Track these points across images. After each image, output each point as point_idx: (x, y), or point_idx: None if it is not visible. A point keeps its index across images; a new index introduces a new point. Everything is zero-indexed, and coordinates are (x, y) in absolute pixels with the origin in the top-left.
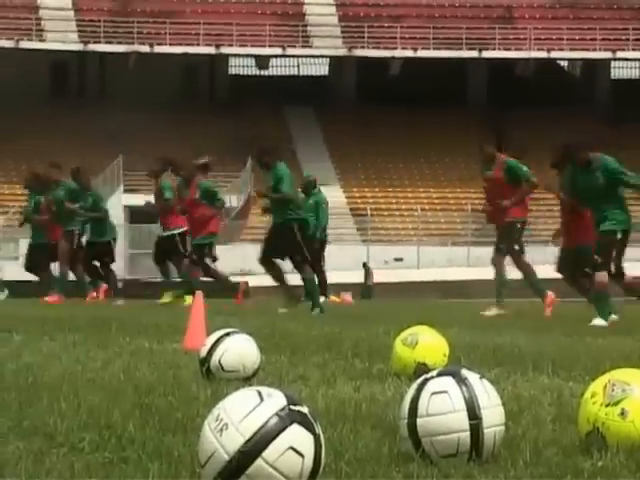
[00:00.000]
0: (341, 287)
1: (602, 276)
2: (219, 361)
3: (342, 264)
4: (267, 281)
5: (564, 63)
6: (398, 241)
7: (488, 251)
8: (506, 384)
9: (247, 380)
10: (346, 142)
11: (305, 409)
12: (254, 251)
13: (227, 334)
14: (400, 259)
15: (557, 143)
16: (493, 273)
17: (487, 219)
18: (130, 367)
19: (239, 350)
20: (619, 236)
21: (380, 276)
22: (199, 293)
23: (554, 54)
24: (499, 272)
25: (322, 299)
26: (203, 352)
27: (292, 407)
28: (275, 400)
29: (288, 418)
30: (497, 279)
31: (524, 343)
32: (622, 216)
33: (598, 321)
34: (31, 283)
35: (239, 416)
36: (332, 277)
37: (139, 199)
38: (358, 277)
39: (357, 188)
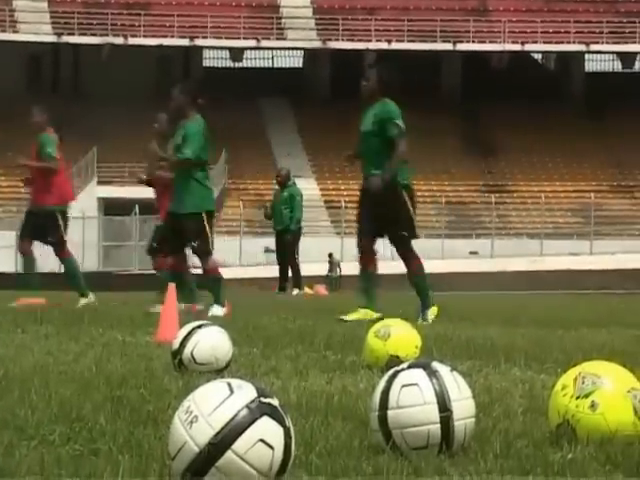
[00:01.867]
0: (315, 279)
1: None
2: (191, 353)
3: (316, 256)
4: (241, 273)
5: (538, 56)
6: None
7: (462, 243)
8: (478, 376)
9: (219, 372)
10: (320, 134)
11: (275, 401)
12: (229, 243)
13: (199, 326)
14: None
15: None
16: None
17: None
18: (102, 359)
19: (211, 342)
20: None
21: (354, 268)
22: (172, 286)
23: (528, 47)
24: None
25: (296, 291)
26: (175, 344)
27: (262, 399)
28: (245, 392)
29: (258, 410)
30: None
31: (496, 335)
32: None
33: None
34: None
35: (209, 408)
36: (306, 269)
37: (113, 191)
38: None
39: (331, 180)
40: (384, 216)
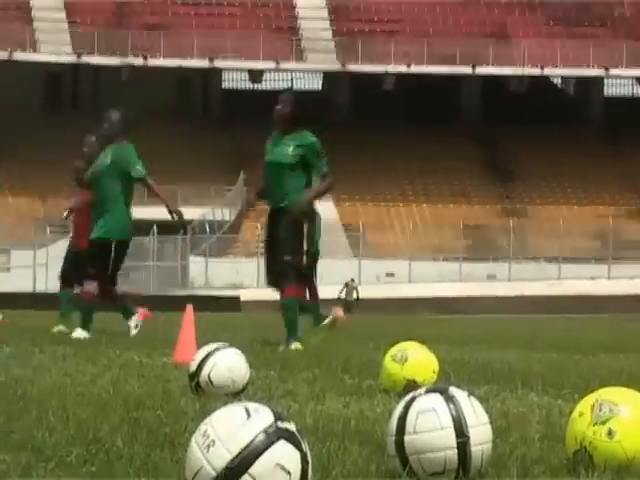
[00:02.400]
0: (332, 302)
1: None
2: (208, 376)
3: (334, 279)
4: (259, 295)
5: (557, 80)
6: (390, 256)
7: (480, 267)
8: (495, 401)
9: (236, 395)
10: (339, 157)
11: (292, 426)
12: (247, 265)
13: (217, 349)
14: (392, 274)
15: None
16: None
17: None
18: (119, 381)
19: (228, 365)
20: None
21: (371, 291)
22: (190, 306)
23: (547, 71)
24: None
25: None
26: (192, 366)
27: (279, 424)
28: (262, 416)
29: (275, 435)
30: None
31: (514, 360)
32: None
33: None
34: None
35: (226, 432)
36: (324, 292)
37: (134, 212)
38: (349, 292)
39: (350, 203)
40: (276, 237)
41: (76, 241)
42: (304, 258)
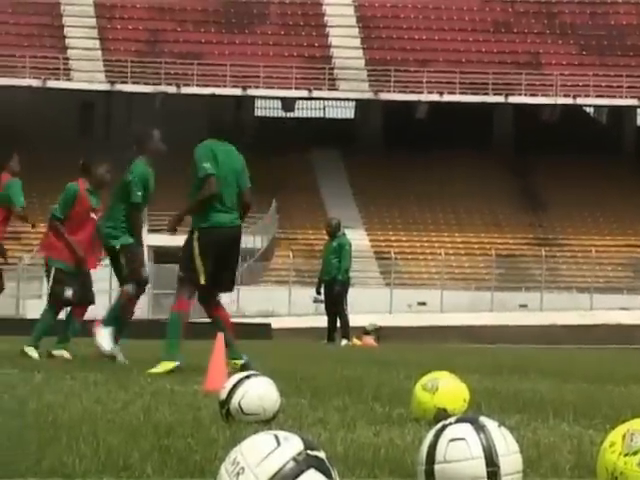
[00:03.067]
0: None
1: None
2: (239, 403)
3: (365, 307)
4: (291, 323)
5: (590, 109)
6: (422, 285)
7: (512, 296)
8: (526, 431)
9: (267, 423)
10: (371, 185)
11: (322, 454)
12: (279, 293)
13: (247, 376)
14: (423, 303)
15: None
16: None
17: None
18: (150, 408)
19: (259, 393)
20: None
21: (403, 320)
22: (221, 334)
23: (580, 100)
24: None
25: (345, 342)
26: (223, 394)
27: (309, 452)
28: (292, 444)
29: (305, 463)
30: None
31: (545, 389)
32: None
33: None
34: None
35: (256, 460)
36: (355, 320)
37: (163, 239)
38: (381, 320)
39: (381, 232)
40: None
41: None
42: (199, 276)
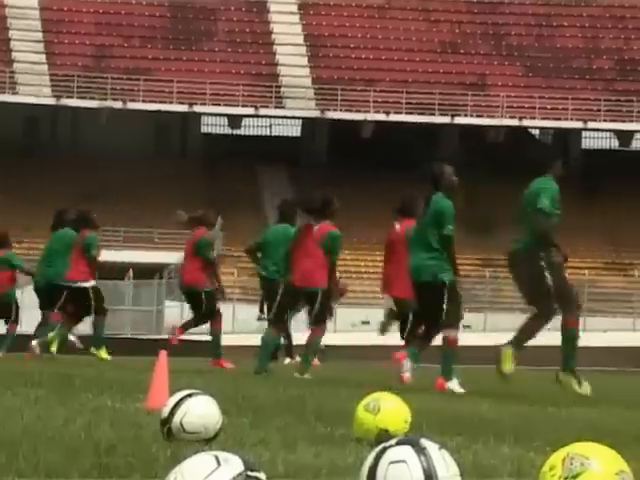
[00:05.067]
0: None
1: None
2: (180, 422)
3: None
4: (234, 340)
5: (536, 131)
6: (366, 304)
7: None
8: (467, 453)
9: (208, 442)
10: None
11: (262, 475)
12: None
13: (189, 395)
14: (367, 322)
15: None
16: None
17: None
18: (91, 425)
19: (201, 411)
20: None
21: (347, 339)
22: (163, 352)
23: (526, 122)
24: None
25: (288, 360)
26: (164, 412)
27: (249, 473)
28: (232, 465)
29: None
30: None
31: (486, 410)
32: None
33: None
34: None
35: None
36: (299, 339)
37: (107, 255)
38: (325, 339)
39: None
40: None
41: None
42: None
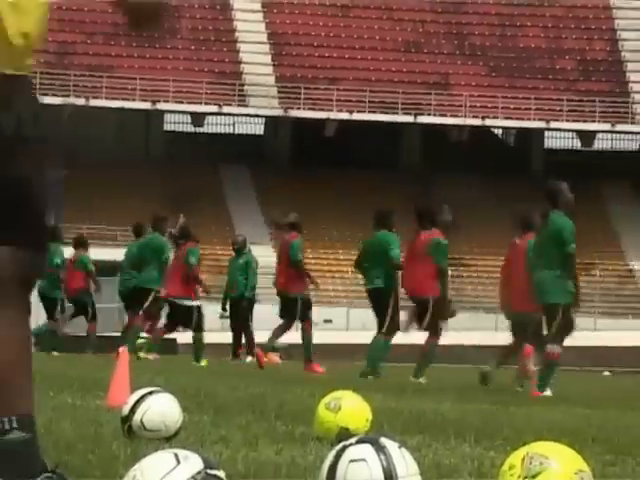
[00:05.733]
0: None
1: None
2: (141, 420)
3: (271, 324)
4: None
5: (498, 131)
6: (328, 302)
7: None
8: (427, 452)
9: (168, 440)
10: (279, 202)
11: (222, 473)
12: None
13: (150, 392)
14: (330, 321)
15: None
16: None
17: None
18: (51, 423)
19: (161, 409)
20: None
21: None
22: (124, 350)
23: (489, 122)
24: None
25: (249, 359)
26: (125, 410)
27: (208, 471)
28: (192, 463)
29: None
30: None
31: (448, 410)
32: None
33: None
34: None
35: (154, 479)
36: (261, 337)
37: (67, 252)
38: (286, 337)
39: None
40: None
41: None
42: None
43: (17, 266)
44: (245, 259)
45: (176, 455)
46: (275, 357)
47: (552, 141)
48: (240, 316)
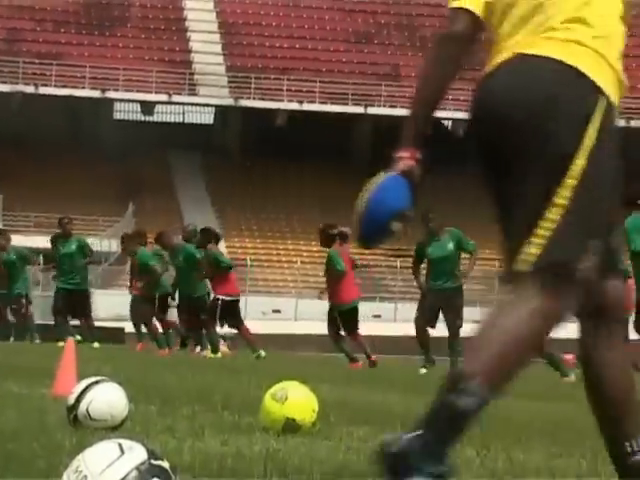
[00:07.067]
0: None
1: None
2: (87, 409)
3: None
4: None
5: (448, 123)
6: (277, 293)
7: (366, 306)
8: (374, 443)
9: (114, 429)
10: (229, 192)
11: (166, 464)
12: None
13: (96, 382)
14: (278, 311)
15: None
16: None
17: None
18: None
19: (107, 399)
20: None
21: (257, 327)
22: (71, 339)
23: (438, 114)
24: None
25: (198, 349)
26: (71, 399)
27: (153, 461)
28: (136, 454)
29: (148, 473)
30: None
31: (395, 401)
32: None
33: None
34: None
35: (98, 469)
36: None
37: (18, 240)
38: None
39: (238, 238)
40: None
41: None
42: None
43: None
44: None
45: (120, 445)
46: (224, 347)
47: None
48: (191, 309)
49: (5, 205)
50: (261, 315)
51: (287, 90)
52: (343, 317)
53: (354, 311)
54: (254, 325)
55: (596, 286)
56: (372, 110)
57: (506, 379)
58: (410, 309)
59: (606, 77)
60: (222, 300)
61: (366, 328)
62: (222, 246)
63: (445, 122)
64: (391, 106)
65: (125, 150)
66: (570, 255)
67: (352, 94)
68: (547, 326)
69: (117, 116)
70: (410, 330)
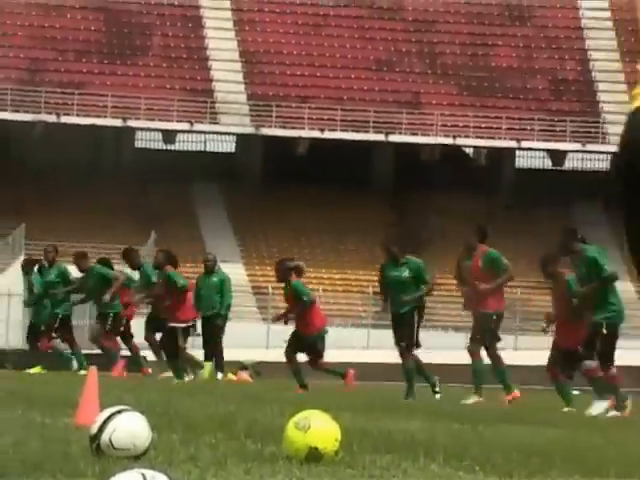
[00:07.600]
0: (239, 365)
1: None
2: (109, 439)
3: (241, 342)
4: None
5: (469, 150)
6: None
7: (388, 334)
8: (397, 472)
9: (137, 458)
10: (250, 220)
11: None
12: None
13: (119, 411)
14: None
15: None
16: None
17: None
18: (19, 442)
19: (130, 428)
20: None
21: (280, 356)
22: (93, 368)
23: (460, 141)
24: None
25: (219, 376)
26: (93, 429)
27: None
28: None
29: None
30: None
31: (417, 429)
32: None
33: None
34: None
35: None
36: (230, 354)
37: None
38: (256, 355)
39: (259, 266)
40: None
41: None
42: None
43: None
44: (220, 277)
45: (143, 475)
46: (246, 375)
47: (523, 160)
48: (214, 334)
49: (27, 233)
50: (284, 343)
51: (308, 118)
52: (309, 346)
53: (321, 340)
54: (277, 353)
55: None
56: (393, 138)
57: None
58: (430, 337)
59: None
60: (180, 328)
61: (388, 355)
62: (243, 273)
63: (467, 150)
64: (412, 134)
65: (147, 179)
66: None
67: (373, 122)
68: None
69: (139, 145)
70: (435, 358)
